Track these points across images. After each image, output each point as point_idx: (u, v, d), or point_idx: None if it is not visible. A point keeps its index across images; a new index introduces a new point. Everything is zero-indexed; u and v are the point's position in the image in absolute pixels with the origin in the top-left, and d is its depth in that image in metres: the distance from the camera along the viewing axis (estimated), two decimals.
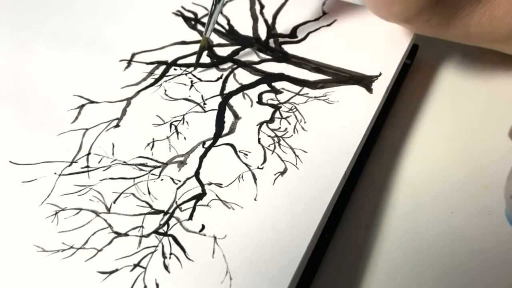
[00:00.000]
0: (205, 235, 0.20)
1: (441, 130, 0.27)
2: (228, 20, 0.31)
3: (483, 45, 0.29)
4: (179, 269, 0.19)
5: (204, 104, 0.25)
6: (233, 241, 0.20)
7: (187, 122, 0.24)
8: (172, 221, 0.20)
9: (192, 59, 0.28)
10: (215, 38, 0.29)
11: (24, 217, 0.21)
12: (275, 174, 0.22)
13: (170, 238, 0.20)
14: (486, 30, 0.26)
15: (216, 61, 0.28)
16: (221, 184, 0.22)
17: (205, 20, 0.31)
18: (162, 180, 0.22)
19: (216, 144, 0.23)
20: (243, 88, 0.26)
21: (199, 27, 0.30)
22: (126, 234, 0.20)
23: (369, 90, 0.26)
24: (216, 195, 0.21)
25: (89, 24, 0.30)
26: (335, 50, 0.28)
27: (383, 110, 0.27)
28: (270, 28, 0.30)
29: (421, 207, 0.24)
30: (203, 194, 0.21)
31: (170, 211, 0.21)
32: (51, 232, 0.20)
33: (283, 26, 0.30)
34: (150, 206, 0.21)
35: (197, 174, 0.22)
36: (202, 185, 0.22)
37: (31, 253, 0.19)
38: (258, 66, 0.28)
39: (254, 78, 0.27)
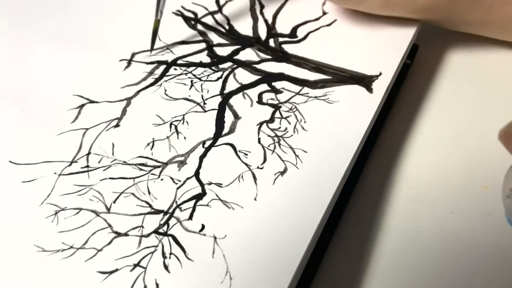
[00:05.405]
0: (205, 235, 0.20)
1: (441, 130, 0.27)
2: (228, 20, 0.31)
3: (405, 14, 0.28)
4: (179, 269, 0.19)
5: (204, 103, 0.25)
6: (233, 241, 0.20)
7: (187, 122, 0.24)
8: (172, 221, 0.20)
9: (192, 59, 0.28)
10: (215, 38, 0.29)
11: (24, 217, 0.21)
12: (275, 174, 0.22)
13: (170, 238, 0.20)
14: None
15: (216, 61, 0.28)
16: (221, 184, 0.22)
17: (205, 20, 0.31)
18: (162, 180, 0.22)
19: (216, 144, 0.23)
20: (243, 88, 0.26)
21: (199, 27, 0.30)
22: (126, 234, 0.20)
23: (369, 90, 0.26)
24: (216, 195, 0.21)
25: (89, 24, 0.30)
26: (335, 50, 0.28)
27: (383, 110, 0.27)
28: (270, 28, 0.30)
29: (421, 207, 0.24)
30: (203, 194, 0.21)
31: (170, 211, 0.21)
32: (51, 232, 0.20)
33: (283, 26, 0.30)
34: (150, 206, 0.21)
35: (197, 174, 0.22)
36: (202, 185, 0.22)
37: (31, 253, 0.19)
38: (258, 66, 0.28)
39: (254, 78, 0.27)
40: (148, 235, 0.20)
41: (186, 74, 0.27)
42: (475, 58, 0.31)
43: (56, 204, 0.21)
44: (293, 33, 0.30)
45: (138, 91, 0.26)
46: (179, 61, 0.28)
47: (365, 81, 0.26)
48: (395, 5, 0.27)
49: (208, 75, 0.27)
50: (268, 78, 0.27)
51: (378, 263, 0.22)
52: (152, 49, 0.28)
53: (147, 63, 0.28)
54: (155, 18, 0.28)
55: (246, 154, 0.23)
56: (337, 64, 0.27)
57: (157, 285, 0.18)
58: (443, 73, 0.31)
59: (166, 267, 0.19)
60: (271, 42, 0.29)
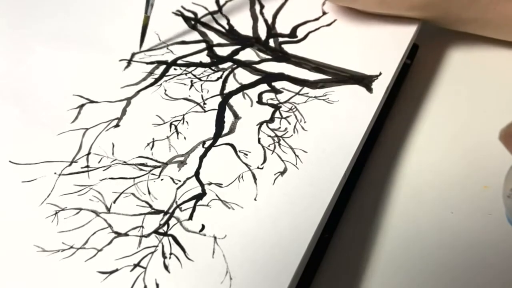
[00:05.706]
0: (205, 235, 0.20)
1: (441, 130, 0.27)
2: (228, 20, 0.31)
3: (401, 12, 0.28)
4: (179, 269, 0.19)
5: (204, 104, 0.25)
6: (233, 241, 0.20)
7: (187, 122, 0.24)
8: (172, 221, 0.20)
9: (192, 59, 0.28)
10: (215, 38, 0.29)
11: (24, 217, 0.21)
12: (275, 174, 0.22)
13: (170, 238, 0.20)
14: None
15: (216, 61, 0.28)
16: (221, 184, 0.22)
17: (205, 20, 0.31)
18: (162, 180, 0.22)
19: (216, 144, 0.23)
20: (243, 88, 0.26)
21: (199, 27, 0.30)
22: (126, 234, 0.20)
23: (369, 89, 0.26)
24: (216, 195, 0.21)
25: (89, 24, 0.30)
26: (335, 50, 0.28)
27: (383, 110, 0.27)
28: (270, 28, 0.30)
29: (421, 207, 0.24)
30: (203, 194, 0.21)
31: (170, 211, 0.21)
32: (51, 232, 0.20)
33: (283, 26, 0.30)
34: (150, 206, 0.21)
35: (197, 174, 0.22)
36: (202, 185, 0.22)
37: (31, 253, 0.19)
38: (258, 66, 0.28)
39: (254, 78, 0.27)
40: (148, 235, 0.20)
41: (186, 74, 0.27)
42: (475, 58, 0.31)
43: (56, 204, 0.21)
44: (293, 33, 0.30)
45: (138, 91, 0.26)
46: (179, 61, 0.28)
47: (365, 81, 0.26)
48: (390, 3, 0.27)
49: (208, 75, 0.27)
50: (268, 78, 0.27)
51: (378, 263, 0.22)
52: (141, 45, 0.28)
53: (147, 63, 0.28)
54: (145, 15, 0.28)
55: (246, 154, 0.23)
56: (337, 64, 0.27)
57: (157, 285, 0.18)
58: (443, 73, 0.31)
59: (166, 267, 0.19)
60: (271, 42, 0.29)
